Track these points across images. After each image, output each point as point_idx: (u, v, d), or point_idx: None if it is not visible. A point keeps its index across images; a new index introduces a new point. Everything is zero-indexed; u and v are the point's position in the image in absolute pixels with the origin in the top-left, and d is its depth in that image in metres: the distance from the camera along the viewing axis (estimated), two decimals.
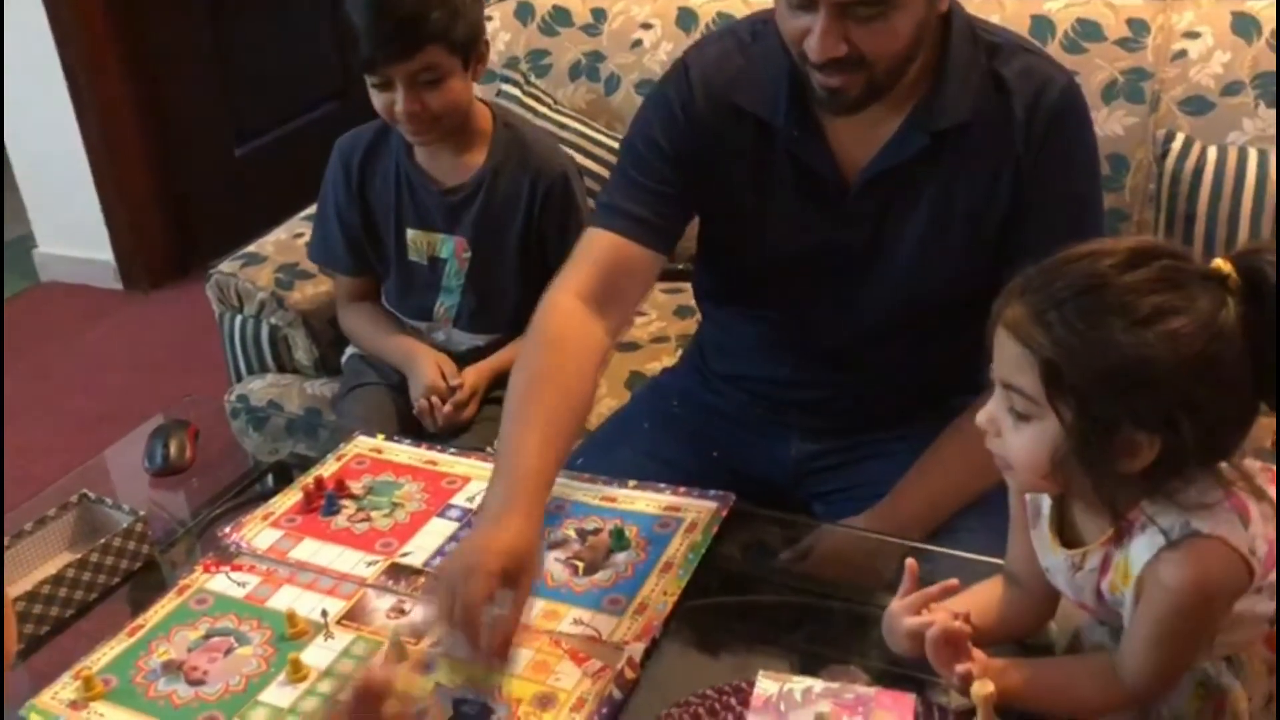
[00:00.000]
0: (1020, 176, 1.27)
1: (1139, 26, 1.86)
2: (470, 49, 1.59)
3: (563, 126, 2.10)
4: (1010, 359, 0.88)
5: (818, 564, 1.29)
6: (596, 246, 1.34)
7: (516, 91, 2.15)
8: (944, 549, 1.26)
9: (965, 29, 1.27)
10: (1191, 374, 0.82)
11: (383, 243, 1.75)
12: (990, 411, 0.92)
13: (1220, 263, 0.85)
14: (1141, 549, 0.88)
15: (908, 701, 0.98)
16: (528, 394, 1.23)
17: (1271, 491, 0.91)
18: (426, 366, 1.69)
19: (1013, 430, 0.90)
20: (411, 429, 1.68)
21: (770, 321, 1.42)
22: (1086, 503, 0.93)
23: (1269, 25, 1.80)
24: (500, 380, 1.68)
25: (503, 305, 1.74)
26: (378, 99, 1.60)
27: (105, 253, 3.50)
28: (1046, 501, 0.98)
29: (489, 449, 1.57)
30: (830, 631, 1.20)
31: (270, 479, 1.54)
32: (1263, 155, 1.72)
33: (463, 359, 1.75)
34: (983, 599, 1.05)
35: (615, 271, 1.33)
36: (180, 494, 1.55)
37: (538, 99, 2.15)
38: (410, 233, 1.72)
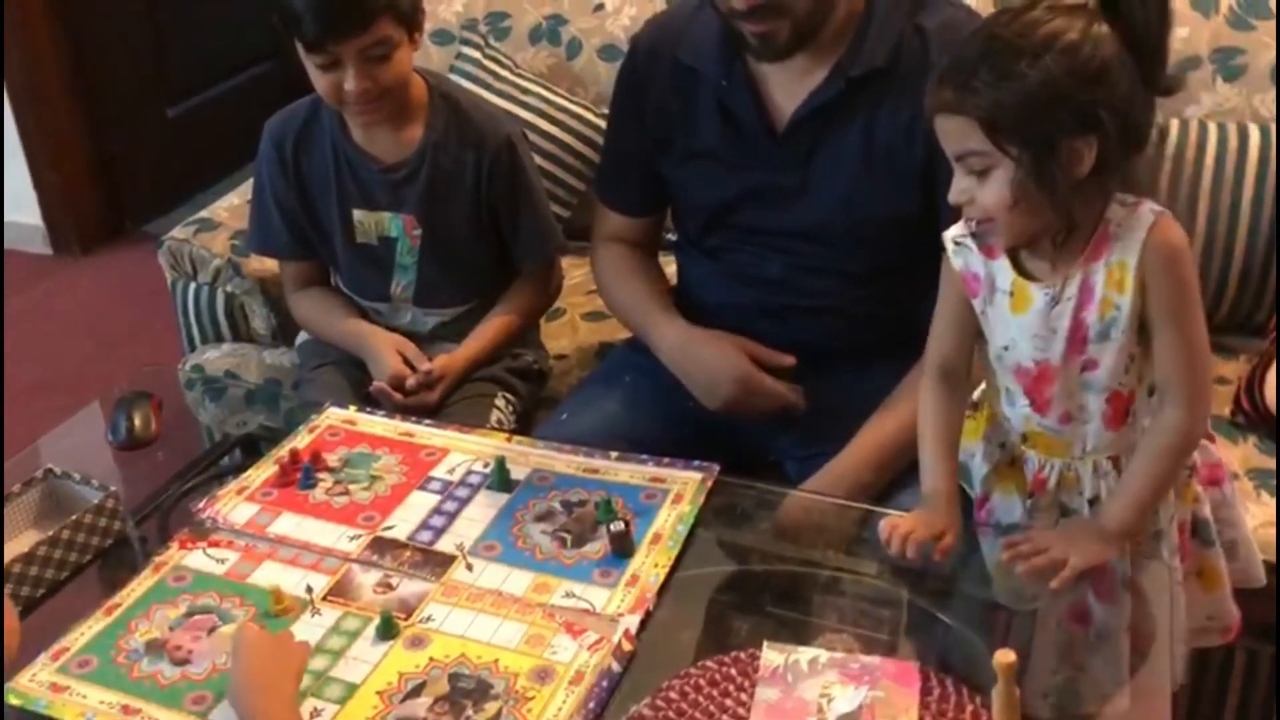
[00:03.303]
0: None
1: None
2: (415, 17, 1.53)
3: (525, 91, 2.06)
4: (954, 133, 1.06)
5: (785, 531, 1.33)
6: (608, 223, 1.65)
7: (476, 54, 2.11)
8: (887, 509, 1.28)
9: None
10: (1092, 76, 1.01)
11: (326, 227, 1.67)
12: (956, 186, 1.09)
13: None
14: (1136, 233, 1.07)
15: (912, 670, 1.00)
16: (629, 292, 1.60)
17: None
18: (386, 355, 1.61)
19: (980, 189, 1.07)
20: (376, 407, 1.63)
21: (726, 260, 1.53)
22: (1053, 237, 1.10)
23: (1226, 0, 1.83)
24: (478, 365, 1.64)
25: (462, 278, 1.69)
26: (322, 80, 1.51)
27: (33, 216, 3.38)
28: (1005, 272, 1.13)
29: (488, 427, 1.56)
30: (819, 599, 1.21)
31: (239, 452, 1.51)
32: (1222, 129, 1.75)
33: (430, 337, 1.69)
34: (940, 417, 1.22)
35: (629, 239, 1.64)
36: (143, 468, 1.50)
37: (498, 62, 2.11)
38: (357, 214, 1.64)
